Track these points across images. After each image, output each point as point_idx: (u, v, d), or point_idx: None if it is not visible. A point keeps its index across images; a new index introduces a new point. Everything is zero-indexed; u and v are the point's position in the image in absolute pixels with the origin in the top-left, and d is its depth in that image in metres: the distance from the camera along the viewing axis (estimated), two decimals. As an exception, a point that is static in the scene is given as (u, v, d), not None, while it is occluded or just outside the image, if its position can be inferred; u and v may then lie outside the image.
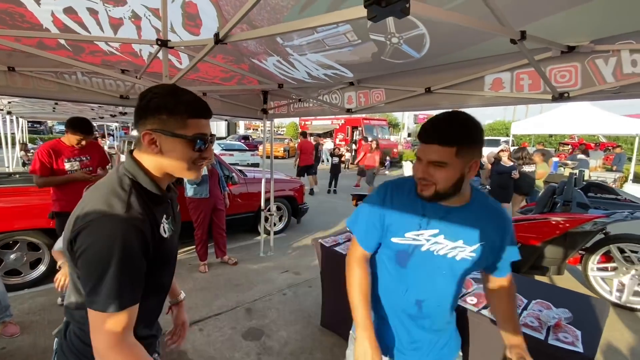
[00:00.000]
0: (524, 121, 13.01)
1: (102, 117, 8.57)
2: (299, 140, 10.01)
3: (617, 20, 1.36)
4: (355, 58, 2.31)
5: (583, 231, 3.29)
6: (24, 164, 10.47)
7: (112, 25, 2.11)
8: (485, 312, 1.67)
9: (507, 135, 15.80)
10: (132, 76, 2.64)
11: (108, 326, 0.72)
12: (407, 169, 14.61)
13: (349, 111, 2.92)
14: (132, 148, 0.92)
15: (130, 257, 0.74)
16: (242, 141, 18.02)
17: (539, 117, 12.44)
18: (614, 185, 9.48)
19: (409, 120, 35.37)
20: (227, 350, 2.44)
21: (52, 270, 3.34)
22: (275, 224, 5.33)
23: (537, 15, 1.34)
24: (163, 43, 1.70)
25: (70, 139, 2.78)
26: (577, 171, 4.53)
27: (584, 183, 3.88)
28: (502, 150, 5.30)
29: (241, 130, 30.57)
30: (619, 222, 3.30)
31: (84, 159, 2.88)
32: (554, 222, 3.36)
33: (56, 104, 5.99)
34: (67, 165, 2.78)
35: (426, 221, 1.04)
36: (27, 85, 2.55)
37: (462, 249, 1.03)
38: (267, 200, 4.47)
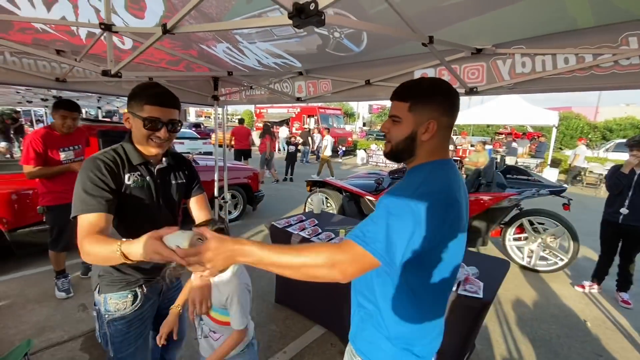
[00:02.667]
0: (465, 112, 14.19)
1: (31, 102, 7.73)
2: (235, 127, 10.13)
3: (511, 28, 1.66)
4: (302, 49, 2.44)
5: (501, 207, 3.84)
6: None
7: (45, 3, 2.00)
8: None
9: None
10: (70, 58, 2.51)
11: (79, 225, 1.07)
12: (361, 157, 15.21)
13: (299, 99, 3.06)
14: None
15: (88, 180, 1.12)
16: (194, 129, 17.26)
17: (478, 108, 13.66)
18: (536, 170, 10.85)
19: (363, 110, 36.38)
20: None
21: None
22: (230, 212, 5.35)
23: (450, 21, 1.60)
24: (107, 27, 1.69)
25: (57, 121, 2.74)
26: (498, 157, 5.18)
27: (504, 167, 4.49)
28: None
29: (192, 118, 29.09)
30: (528, 199, 3.91)
31: (77, 147, 2.82)
32: (478, 200, 3.88)
33: (-27, 85, 5.30)
34: (62, 155, 2.72)
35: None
36: (-58, 65, 2.31)
37: None
38: (221, 189, 4.49)
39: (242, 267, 1.28)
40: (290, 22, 0.75)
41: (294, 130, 18.44)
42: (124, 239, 0.96)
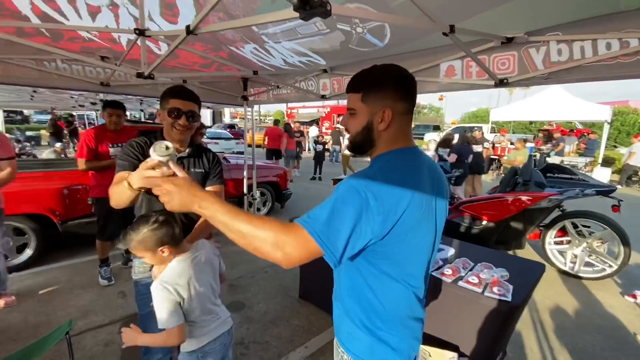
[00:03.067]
0: (503, 108, 13.42)
1: (83, 106, 8.44)
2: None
3: (546, 14, 1.55)
4: (326, 46, 2.45)
5: (540, 208, 3.59)
6: (2, 154, 10.17)
7: (90, 13, 2.18)
8: (461, 283, 1.80)
9: (488, 122, 16.22)
10: (112, 63, 2.71)
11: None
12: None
13: (323, 97, 3.07)
14: None
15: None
16: (228, 130, 17.92)
17: (519, 104, 12.85)
18: (585, 170, 10.01)
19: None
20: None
21: (40, 254, 3.44)
22: (259, 209, 5.49)
23: (477, 9, 1.53)
24: (141, 32, 1.81)
25: (106, 118, 3.05)
26: (538, 154, 4.84)
27: (545, 165, 4.19)
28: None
29: (227, 119, 30.18)
30: (572, 199, 3.62)
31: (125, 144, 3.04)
32: (514, 200, 3.66)
33: (34, 91, 5.90)
34: (111, 151, 2.99)
35: None
36: (7, 73, 2.59)
37: None
38: (251, 186, 4.62)
39: (172, 267, 1.27)
40: (297, 14, 0.76)
41: (323, 130, 18.51)
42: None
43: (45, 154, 7.01)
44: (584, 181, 3.85)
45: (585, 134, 16.94)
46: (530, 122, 22.39)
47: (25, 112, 22.43)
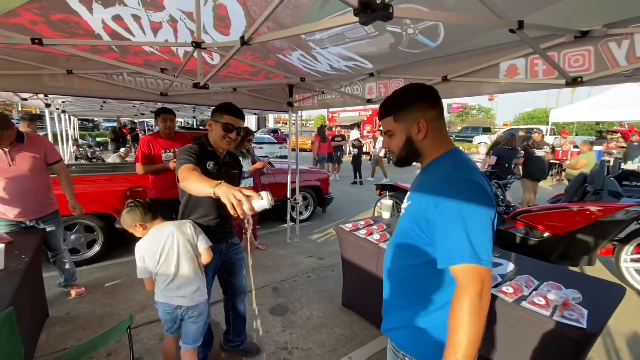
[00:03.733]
0: (564, 108, 12.22)
1: (143, 114, 9.22)
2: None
3: (629, 4, 1.37)
4: (373, 49, 2.40)
5: (614, 220, 3.18)
6: (76, 158, 11.48)
7: (152, 29, 2.36)
8: (525, 303, 1.61)
9: (547, 124, 14.87)
10: (170, 74, 2.91)
11: (179, 170, 1.54)
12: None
13: (369, 101, 3.01)
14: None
15: (186, 152, 1.66)
16: (272, 134, 18.47)
17: (582, 103, 11.62)
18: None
19: (440, 110, 34.18)
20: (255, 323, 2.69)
21: (107, 249, 3.78)
22: (301, 213, 5.55)
23: (545, 2, 1.38)
24: (197, 45, 1.90)
25: (160, 127, 3.26)
26: (611, 159, 4.30)
27: (619, 171, 3.70)
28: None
29: (270, 124, 31.19)
30: (655, 212, 3.15)
31: (177, 150, 3.25)
32: (582, 210, 3.27)
33: (104, 102, 6.56)
34: (163, 155, 3.21)
35: (413, 185, 1.13)
36: (83, 86, 2.90)
37: (407, 202, 1.06)
38: (294, 190, 4.69)
39: (145, 236, 1.74)
40: (357, 19, 0.73)
41: (365, 133, 18.30)
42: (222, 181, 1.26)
43: (111, 158, 7.75)
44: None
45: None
46: (597, 123, 20.20)
47: (96, 120, 25.09)
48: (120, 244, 4.01)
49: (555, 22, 1.49)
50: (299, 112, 4.46)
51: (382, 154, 10.45)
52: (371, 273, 2.55)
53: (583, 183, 3.75)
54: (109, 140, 12.34)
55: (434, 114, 0.99)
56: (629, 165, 7.36)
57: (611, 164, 3.97)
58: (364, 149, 11.69)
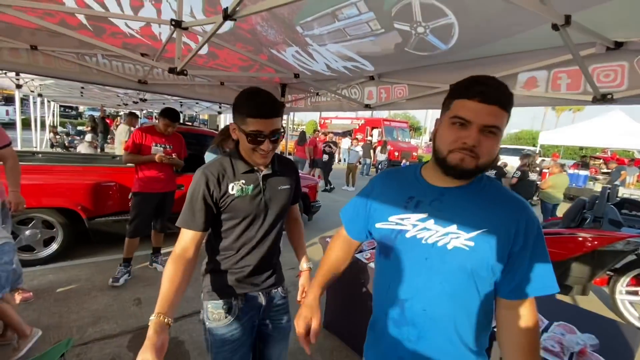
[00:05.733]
0: (553, 131, 12.44)
1: (127, 104, 8.79)
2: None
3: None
4: (377, 49, 2.19)
5: (614, 250, 3.04)
6: (52, 146, 10.88)
7: (132, 7, 2.09)
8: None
9: (534, 145, 15.11)
10: (150, 59, 2.62)
11: (181, 235, 1.15)
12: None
13: (367, 106, 2.80)
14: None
15: (195, 193, 1.15)
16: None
17: (569, 128, 11.84)
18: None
19: (432, 124, 34.69)
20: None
21: (65, 249, 3.41)
22: (286, 220, 5.27)
23: (581, 3, 1.19)
24: (177, 24, 1.65)
25: (160, 125, 3.16)
26: (610, 186, 4.23)
27: (618, 199, 3.60)
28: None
29: (261, 125, 30.88)
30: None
31: (168, 147, 3.20)
32: (581, 238, 3.12)
33: (82, 88, 6.16)
34: (153, 149, 3.10)
35: (414, 203, 0.89)
36: (49, 65, 2.57)
37: (456, 235, 0.82)
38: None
39: None
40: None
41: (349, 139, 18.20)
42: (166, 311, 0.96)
43: (81, 147, 7.31)
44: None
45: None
46: (581, 148, 20.73)
47: (80, 108, 24.22)
48: (83, 243, 3.63)
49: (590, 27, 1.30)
50: (291, 114, 4.21)
51: (352, 160, 10.55)
52: (357, 293, 2.31)
53: (582, 209, 3.63)
54: (86, 129, 11.82)
55: None
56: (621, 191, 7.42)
57: (611, 190, 3.88)
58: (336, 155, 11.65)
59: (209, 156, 3.38)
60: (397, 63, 2.29)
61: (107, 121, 13.31)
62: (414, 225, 0.87)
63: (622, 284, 3.26)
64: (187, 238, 1.13)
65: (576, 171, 12.55)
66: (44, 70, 2.57)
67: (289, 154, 9.68)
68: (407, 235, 0.87)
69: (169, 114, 3.16)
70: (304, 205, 5.54)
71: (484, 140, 0.77)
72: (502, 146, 19.15)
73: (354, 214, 1.07)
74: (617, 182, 9.46)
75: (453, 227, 0.82)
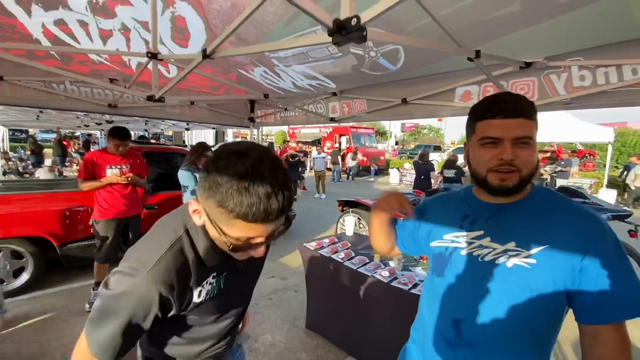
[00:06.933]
0: (505, 130, 13.50)
1: (87, 126, 8.49)
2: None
3: (566, 40, 1.53)
4: (337, 70, 2.44)
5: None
6: (4, 173, 10.17)
7: (101, 37, 2.19)
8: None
9: (490, 143, 16.29)
10: (120, 85, 2.70)
11: (82, 350, 0.73)
12: (394, 176, 14.88)
13: (332, 120, 3.04)
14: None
15: (130, 326, 0.70)
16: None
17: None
18: (590, 191, 9.93)
19: (396, 129, 36.09)
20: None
21: (37, 278, 3.31)
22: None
23: (495, 34, 1.50)
24: (153, 55, 1.78)
25: (111, 147, 3.02)
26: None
27: (555, 188, 4.11)
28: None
29: (229, 139, 30.53)
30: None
31: (124, 167, 3.08)
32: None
33: (40, 111, 5.93)
34: (108, 172, 2.98)
35: (470, 221, 0.87)
36: (15, 94, 2.57)
37: (515, 252, 0.78)
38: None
39: None
40: (330, 39, 0.71)
41: (326, 149, 18.57)
42: None
43: (40, 172, 6.95)
44: (597, 205, 3.76)
45: (587, 154, 16.94)
46: (531, 143, 22.46)
47: (31, 130, 22.70)
48: (54, 270, 3.54)
49: (502, 53, 1.62)
50: (260, 128, 4.38)
51: (319, 168, 10.67)
52: (337, 292, 2.50)
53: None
54: (29, 152, 11.21)
55: None
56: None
57: (549, 181, 4.40)
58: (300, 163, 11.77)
59: (182, 174, 3.46)
60: (356, 81, 2.56)
61: (65, 143, 12.68)
62: (469, 243, 0.84)
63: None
64: None
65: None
66: (10, 100, 2.57)
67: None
68: (463, 252, 0.85)
69: (117, 134, 3.00)
70: (279, 215, 5.67)
71: (520, 152, 0.77)
72: (459, 146, 20.07)
73: (408, 237, 1.07)
74: (550, 172, 10.48)
75: (511, 244, 0.79)
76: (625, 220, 3.53)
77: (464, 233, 0.86)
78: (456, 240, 0.87)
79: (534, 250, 0.77)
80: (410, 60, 1.99)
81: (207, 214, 0.70)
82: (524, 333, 0.79)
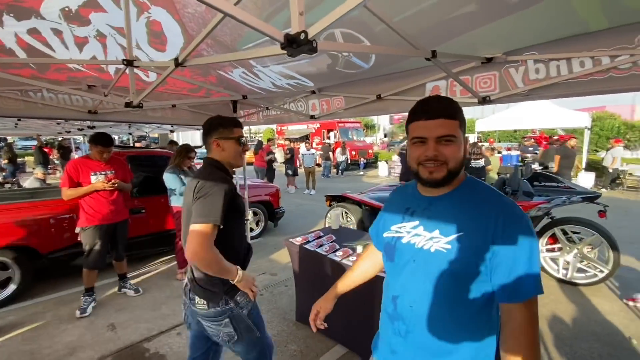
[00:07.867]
0: (488, 118, 13.79)
1: (69, 132, 8.34)
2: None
3: (521, 36, 1.63)
4: (313, 69, 2.51)
5: (530, 217, 3.64)
6: (-16, 184, 9.89)
7: (77, 44, 2.19)
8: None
9: (473, 133, 16.59)
10: (99, 92, 2.71)
11: (202, 232, 1.25)
12: (383, 169, 15.06)
13: (312, 117, 3.12)
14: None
15: (221, 196, 1.31)
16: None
17: (504, 113, 13.23)
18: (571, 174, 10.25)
19: (384, 122, 36.23)
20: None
21: (24, 289, 3.31)
22: (252, 229, 5.44)
23: (455, 33, 1.59)
24: (129, 63, 1.82)
25: (94, 153, 3.02)
26: (524, 163, 4.95)
27: (531, 173, 4.28)
28: None
29: (216, 138, 30.21)
30: (559, 207, 3.69)
31: (109, 172, 3.08)
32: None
33: (19, 120, 5.81)
34: (92, 179, 2.99)
35: (410, 212, 1.01)
36: (-10, 105, 2.56)
37: (437, 239, 0.91)
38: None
39: None
40: (284, 52, 0.78)
41: (314, 145, 18.62)
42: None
43: (28, 182, 6.84)
44: (570, 188, 3.95)
45: (567, 140, 17.42)
46: (515, 131, 22.98)
47: (9, 138, 22.05)
48: (42, 278, 3.54)
49: (465, 50, 1.72)
50: (249, 128, 4.42)
51: (308, 164, 10.70)
52: (323, 284, 2.58)
53: (503, 185, 4.25)
54: (4, 162, 11.03)
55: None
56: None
57: (524, 167, 4.59)
58: (279, 161, 11.72)
59: (168, 177, 3.49)
60: (332, 79, 2.63)
61: (46, 150, 12.40)
62: (408, 232, 0.98)
63: (542, 244, 3.90)
64: (212, 235, 1.32)
65: (509, 152, 14.05)
66: (-14, 111, 2.55)
67: (250, 164, 9.81)
68: (403, 240, 0.99)
69: (101, 141, 3.01)
70: (268, 212, 5.74)
71: (444, 149, 0.88)
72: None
73: (375, 228, 1.20)
74: (531, 158, 10.79)
75: (436, 232, 0.92)
76: (595, 201, 3.72)
77: (405, 224, 1.01)
78: (399, 230, 1.02)
79: (450, 237, 0.89)
80: (381, 58, 2.07)
81: (223, 140, 1.48)
82: (444, 309, 0.91)
